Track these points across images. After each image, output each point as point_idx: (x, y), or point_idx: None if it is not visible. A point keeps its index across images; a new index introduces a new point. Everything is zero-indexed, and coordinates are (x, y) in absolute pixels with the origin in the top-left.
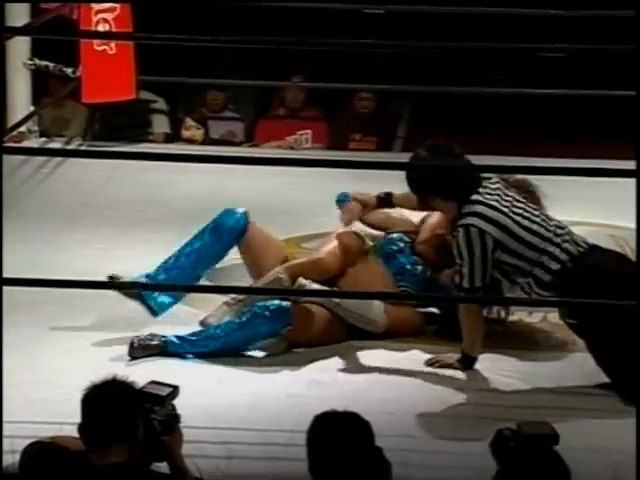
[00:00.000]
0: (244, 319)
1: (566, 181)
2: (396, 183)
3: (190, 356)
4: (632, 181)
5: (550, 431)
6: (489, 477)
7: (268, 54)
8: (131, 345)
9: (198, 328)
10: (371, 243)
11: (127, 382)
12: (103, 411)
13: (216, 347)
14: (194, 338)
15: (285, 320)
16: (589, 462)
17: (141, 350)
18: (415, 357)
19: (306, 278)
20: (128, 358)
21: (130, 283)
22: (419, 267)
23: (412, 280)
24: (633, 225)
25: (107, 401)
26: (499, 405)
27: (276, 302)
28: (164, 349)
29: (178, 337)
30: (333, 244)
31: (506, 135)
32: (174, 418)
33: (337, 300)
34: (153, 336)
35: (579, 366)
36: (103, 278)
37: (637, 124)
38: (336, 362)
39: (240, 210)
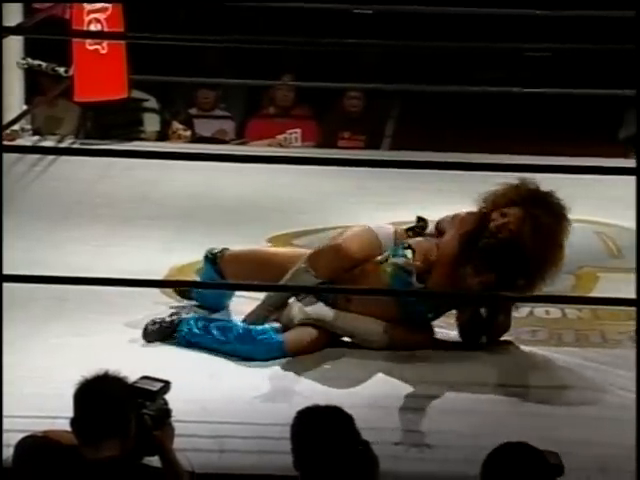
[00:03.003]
0: (240, 333)
1: (553, 179)
2: (385, 181)
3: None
4: (617, 178)
5: (557, 461)
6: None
7: (258, 53)
8: (145, 329)
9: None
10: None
11: (119, 377)
12: (95, 406)
13: (215, 347)
14: (200, 332)
15: (279, 351)
16: (575, 455)
17: (154, 334)
18: (407, 354)
19: (329, 265)
20: (123, 350)
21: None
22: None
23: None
24: (618, 222)
25: (99, 396)
26: (488, 400)
27: (271, 334)
28: (175, 329)
29: (191, 322)
30: (352, 231)
31: (493, 133)
32: (166, 413)
33: (332, 319)
34: (173, 315)
35: (565, 360)
36: (97, 275)
37: (637, 124)
38: (329, 357)
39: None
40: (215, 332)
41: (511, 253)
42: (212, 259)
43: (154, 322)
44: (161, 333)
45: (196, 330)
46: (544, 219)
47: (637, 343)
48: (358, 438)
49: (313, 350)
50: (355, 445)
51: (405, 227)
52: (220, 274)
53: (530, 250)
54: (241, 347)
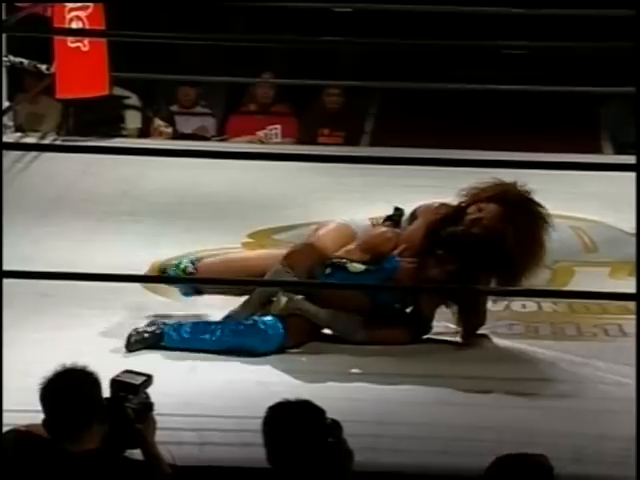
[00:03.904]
0: (241, 327)
1: (528, 174)
2: (365, 177)
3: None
4: (591, 174)
5: (547, 464)
6: (458, 461)
7: (239, 51)
8: (128, 339)
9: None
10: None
11: (78, 367)
12: (63, 401)
13: (210, 347)
14: (188, 336)
15: (278, 340)
16: (551, 445)
17: (138, 343)
18: (386, 348)
19: (305, 263)
20: (104, 344)
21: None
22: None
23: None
24: (593, 217)
25: (63, 391)
26: (467, 389)
27: (271, 320)
28: (160, 339)
29: (175, 329)
30: (326, 228)
31: (472, 130)
32: (147, 406)
33: (315, 312)
34: (152, 324)
35: (541, 353)
36: (78, 270)
37: (637, 123)
38: (310, 350)
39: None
40: (207, 334)
41: (479, 247)
42: (188, 274)
43: (137, 332)
44: (145, 343)
45: (186, 335)
46: (522, 219)
47: (637, 337)
48: (329, 431)
49: (308, 341)
50: (325, 438)
51: (382, 218)
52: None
53: (508, 248)
54: (241, 340)
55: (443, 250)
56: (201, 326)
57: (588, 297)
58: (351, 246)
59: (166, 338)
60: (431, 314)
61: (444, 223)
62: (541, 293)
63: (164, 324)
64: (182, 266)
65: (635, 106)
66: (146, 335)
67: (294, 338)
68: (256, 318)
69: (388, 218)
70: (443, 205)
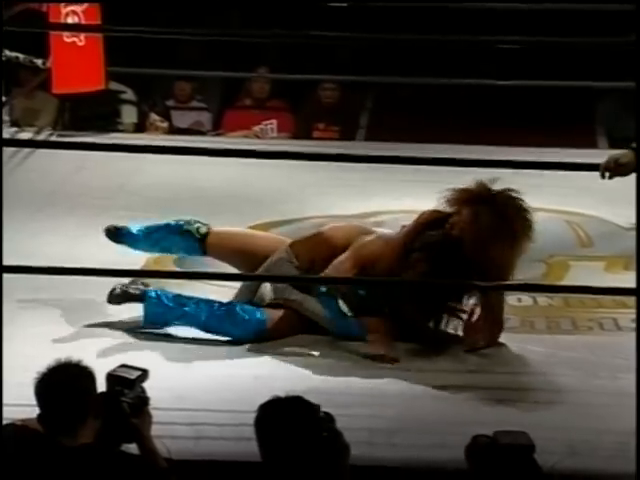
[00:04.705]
0: (221, 310)
1: (523, 169)
2: (360, 172)
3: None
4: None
5: (527, 441)
6: (451, 456)
7: (235, 45)
8: (111, 292)
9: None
10: None
11: (73, 362)
12: (58, 396)
13: (187, 322)
14: (172, 305)
15: (258, 331)
16: (545, 439)
17: (119, 297)
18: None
19: (313, 254)
20: (99, 339)
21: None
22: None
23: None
24: (588, 211)
25: (58, 386)
26: (459, 386)
27: (251, 308)
28: (142, 298)
29: (157, 296)
30: (336, 225)
31: (467, 124)
32: (143, 400)
33: (300, 301)
34: (135, 282)
35: (536, 347)
36: (74, 265)
37: (637, 120)
38: (303, 343)
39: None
40: (190, 306)
41: (449, 249)
42: (200, 238)
43: (120, 287)
44: (126, 297)
45: (166, 301)
46: (484, 218)
47: (637, 332)
48: (323, 426)
49: (290, 333)
50: (319, 433)
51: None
52: (204, 252)
53: (468, 250)
54: (217, 323)
55: (419, 253)
56: (183, 298)
57: (589, 292)
58: (342, 257)
59: (147, 299)
60: (416, 317)
61: (425, 228)
62: (540, 288)
63: (146, 285)
64: (196, 225)
65: (635, 104)
66: (130, 291)
67: (276, 328)
68: (236, 303)
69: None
70: (434, 211)
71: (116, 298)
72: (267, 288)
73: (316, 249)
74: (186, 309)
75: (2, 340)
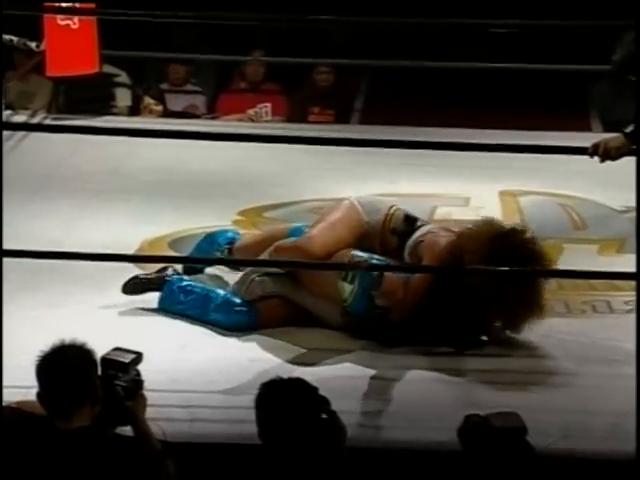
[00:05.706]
0: (219, 301)
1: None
2: (354, 155)
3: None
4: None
5: (519, 423)
6: (447, 437)
7: (229, 29)
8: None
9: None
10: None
11: (77, 345)
12: (58, 377)
13: (181, 311)
14: (183, 299)
15: (250, 322)
16: (538, 421)
17: (138, 286)
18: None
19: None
20: (95, 321)
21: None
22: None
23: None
24: (581, 194)
25: (59, 367)
26: (455, 368)
27: (240, 300)
28: (161, 286)
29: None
30: (328, 223)
31: (462, 107)
32: (138, 383)
33: (291, 291)
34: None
35: (530, 330)
36: (67, 248)
37: (637, 111)
38: (295, 330)
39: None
40: (195, 301)
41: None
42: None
43: (138, 277)
44: (142, 287)
45: (177, 294)
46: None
47: (637, 317)
48: (322, 408)
49: (283, 325)
50: (318, 414)
51: (392, 226)
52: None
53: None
54: (217, 316)
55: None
56: (196, 293)
57: (590, 276)
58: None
59: (166, 288)
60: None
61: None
62: (543, 273)
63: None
64: (222, 248)
65: (636, 95)
66: (146, 280)
67: (266, 320)
68: (229, 295)
69: (395, 231)
70: (445, 251)
71: (129, 287)
72: (256, 283)
73: (296, 258)
74: (192, 297)
75: (2, 323)
